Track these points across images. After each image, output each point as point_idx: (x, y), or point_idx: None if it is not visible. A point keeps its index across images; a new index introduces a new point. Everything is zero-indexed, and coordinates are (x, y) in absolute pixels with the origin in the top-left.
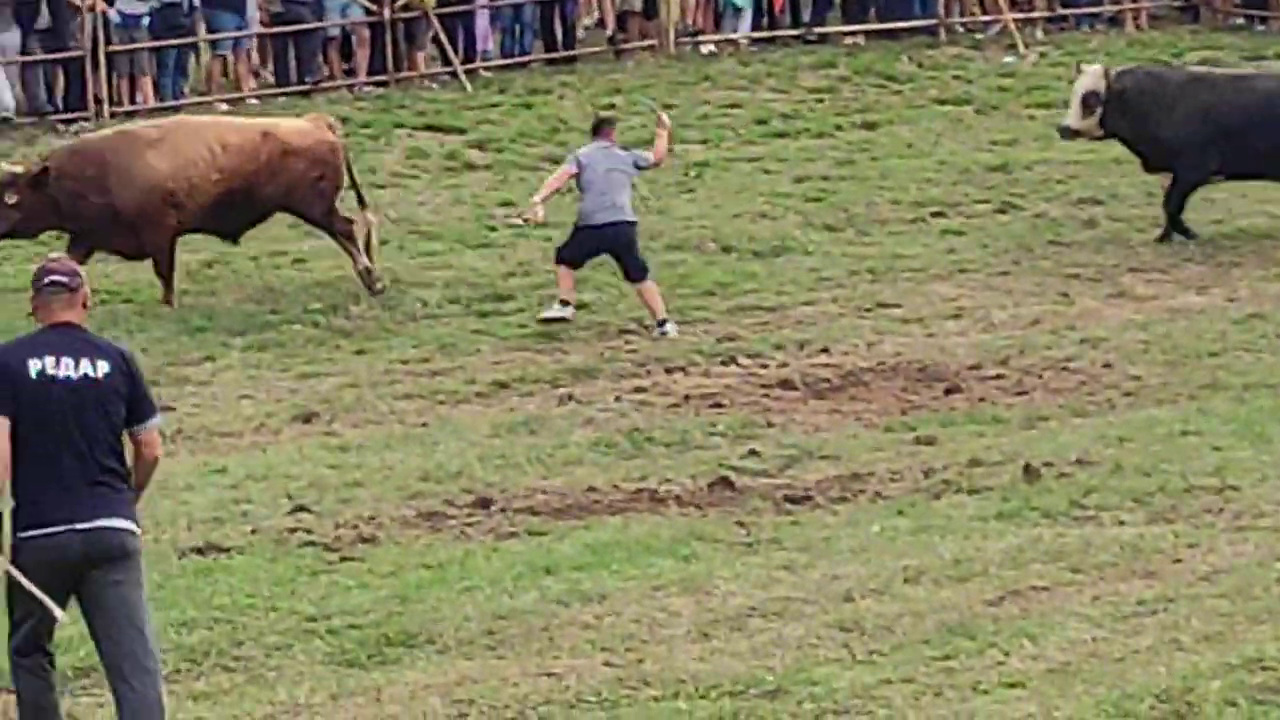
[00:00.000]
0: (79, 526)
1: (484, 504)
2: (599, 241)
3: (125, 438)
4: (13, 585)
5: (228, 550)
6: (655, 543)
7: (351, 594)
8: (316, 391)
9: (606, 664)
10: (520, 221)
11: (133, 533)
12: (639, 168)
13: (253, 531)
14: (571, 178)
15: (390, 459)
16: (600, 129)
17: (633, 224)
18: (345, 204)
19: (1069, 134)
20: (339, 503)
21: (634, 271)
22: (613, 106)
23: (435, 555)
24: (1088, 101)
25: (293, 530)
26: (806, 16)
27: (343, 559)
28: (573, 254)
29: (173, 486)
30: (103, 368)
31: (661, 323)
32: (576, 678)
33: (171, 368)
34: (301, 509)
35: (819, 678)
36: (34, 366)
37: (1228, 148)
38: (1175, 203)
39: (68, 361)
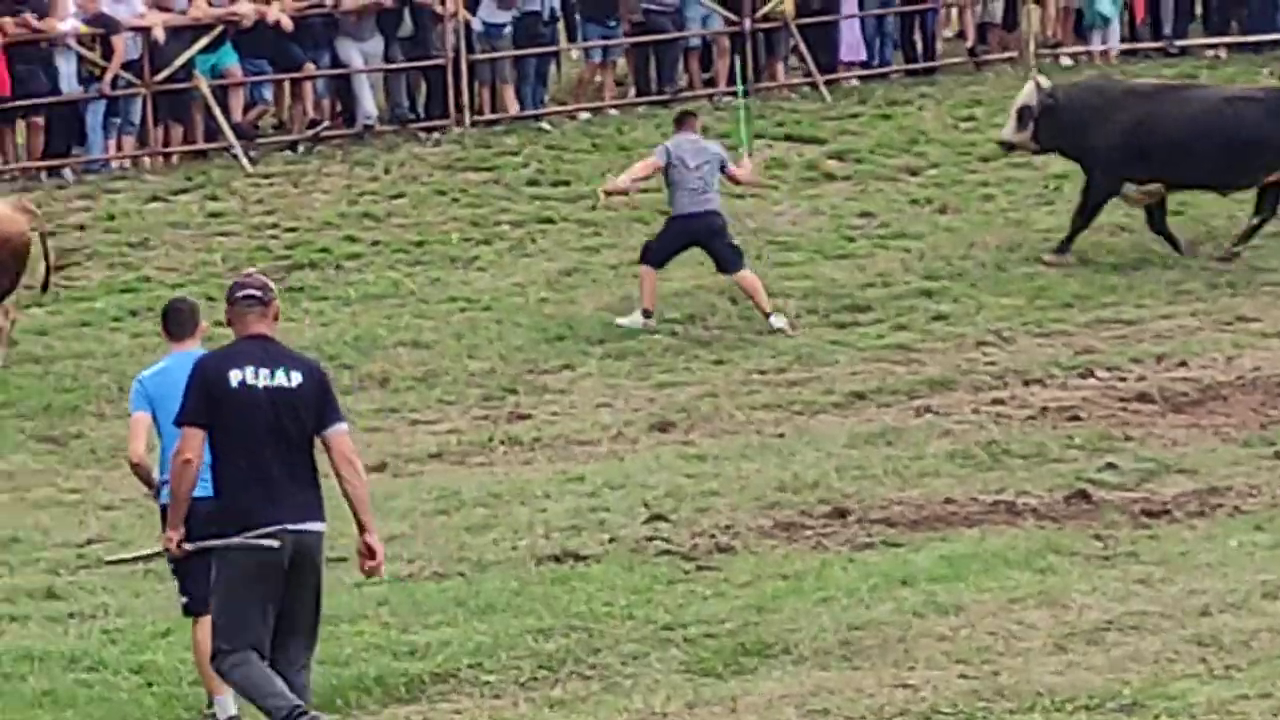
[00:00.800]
0: (289, 528)
1: (840, 514)
2: (690, 233)
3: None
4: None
5: (585, 558)
6: (1012, 555)
7: (707, 603)
8: (674, 401)
9: (962, 676)
10: (604, 198)
11: (323, 535)
12: (723, 169)
13: (610, 540)
14: (658, 170)
15: (747, 469)
16: (684, 121)
17: (720, 214)
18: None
19: (1006, 147)
20: (695, 512)
21: (727, 262)
22: (972, 119)
23: (791, 565)
24: (1021, 115)
25: (649, 539)
26: (1168, 29)
27: (699, 568)
28: (663, 250)
29: (530, 494)
30: (296, 378)
31: (768, 315)
32: (932, 689)
33: (530, 376)
34: (658, 518)
35: (1175, 692)
36: (235, 377)
37: (1165, 158)
38: (1087, 215)
39: (265, 371)
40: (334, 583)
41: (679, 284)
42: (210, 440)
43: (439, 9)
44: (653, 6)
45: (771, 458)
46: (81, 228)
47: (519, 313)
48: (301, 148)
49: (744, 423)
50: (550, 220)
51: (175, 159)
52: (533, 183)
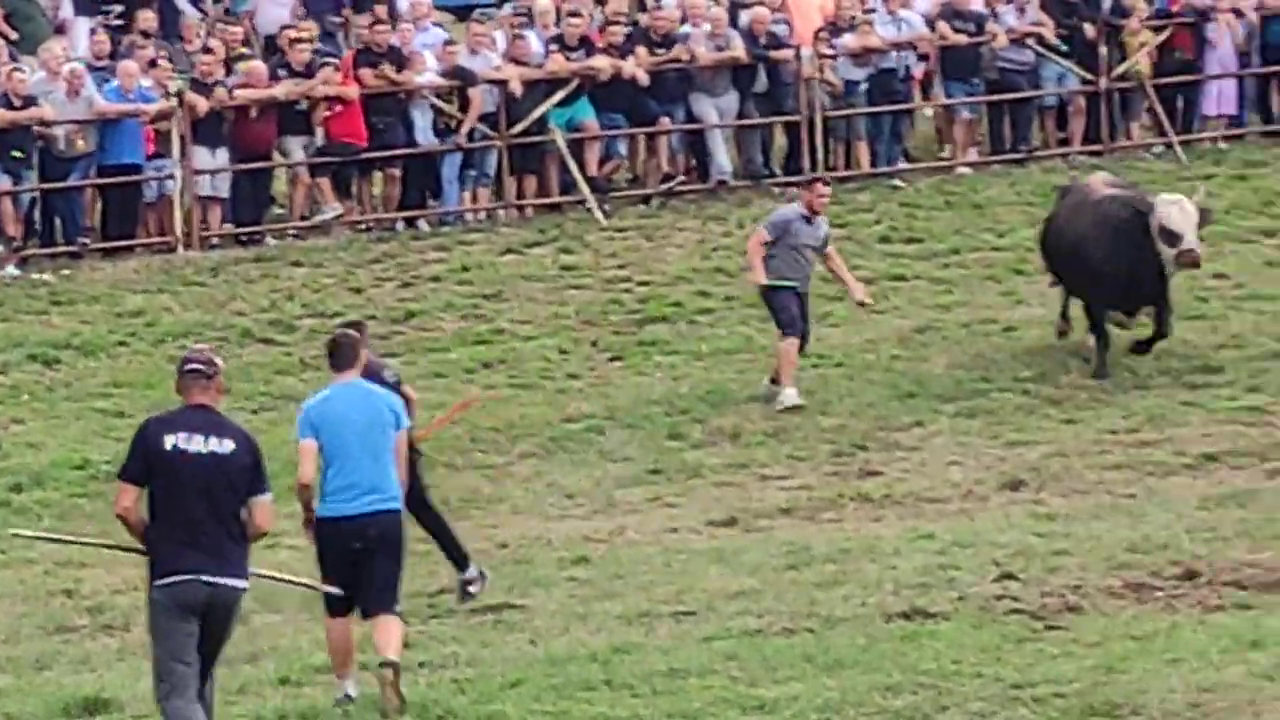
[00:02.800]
0: (205, 579)
1: (1190, 576)
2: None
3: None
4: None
5: (934, 616)
6: None
7: (1056, 663)
8: (1025, 459)
9: None
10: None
11: (243, 590)
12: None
13: (959, 598)
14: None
15: (1097, 529)
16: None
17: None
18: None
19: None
20: (1045, 571)
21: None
22: None
23: (1141, 626)
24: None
25: (999, 597)
26: None
27: (1048, 627)
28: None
29: (880, 551)
30: (229, 445)
31: (777, 383)
32: None
33: (881, 433)
34: (1008, 576)
35: None
36: (169, 441)
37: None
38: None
39: (199, 438)
40: (682, 635)
41: (1031, 342)
42: (149, 496)
43: (794, 65)
44: (1008, 65)
45: (1122, 518)
46: (436, 279)
47: (870, 369)
48: (655, 202)
49: (1095, 483)
50: (902, 277)
51: (529, 211)
52: (884, 239)
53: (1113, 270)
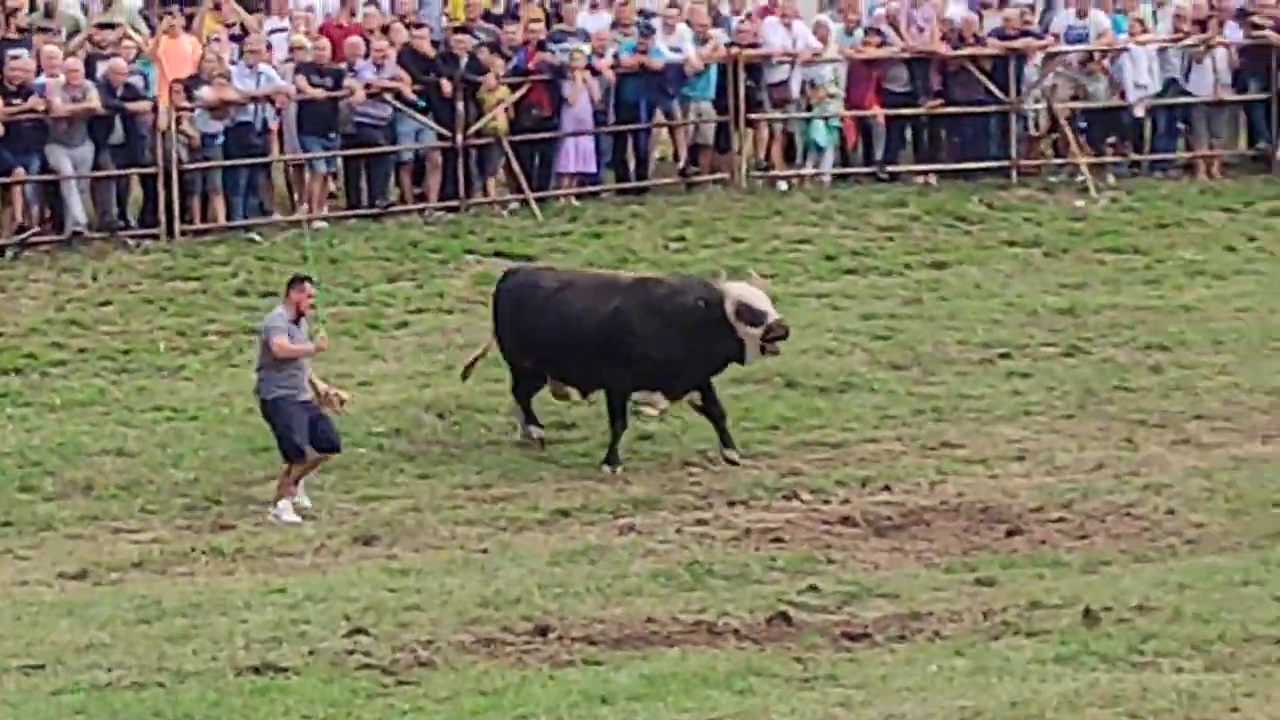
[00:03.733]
0: None
1: (542, 632)
2: None
3: None
4: None
5: (285, 670)
6: (712, 676)
7: (406, 718)
8: (378, 514)
9: None
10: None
11: None
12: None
13: (310, 652)
14: None
15: (450, 584)
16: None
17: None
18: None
19: None
20: (397, 626)
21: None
22: (682, 239)
23: (492, 682)
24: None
25: (350, 652)
26: (879, 154)
27: (399, 683)
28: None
29: (231, 605)
30: None
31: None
32: None
33: (234, 487)
34: (359, 631)
35: None
36: None
37: None
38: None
39: None
40: (31, 689)
41: (387, 397)
42: None
43: (151, 116)
44: (365, 119)
45: (474, 573)
46: None
47: (224, 423)
48: (9, 253)
49: (448, 537)
50: (257, 331)
51: None
52: (241, 293)
53: (680, 359)
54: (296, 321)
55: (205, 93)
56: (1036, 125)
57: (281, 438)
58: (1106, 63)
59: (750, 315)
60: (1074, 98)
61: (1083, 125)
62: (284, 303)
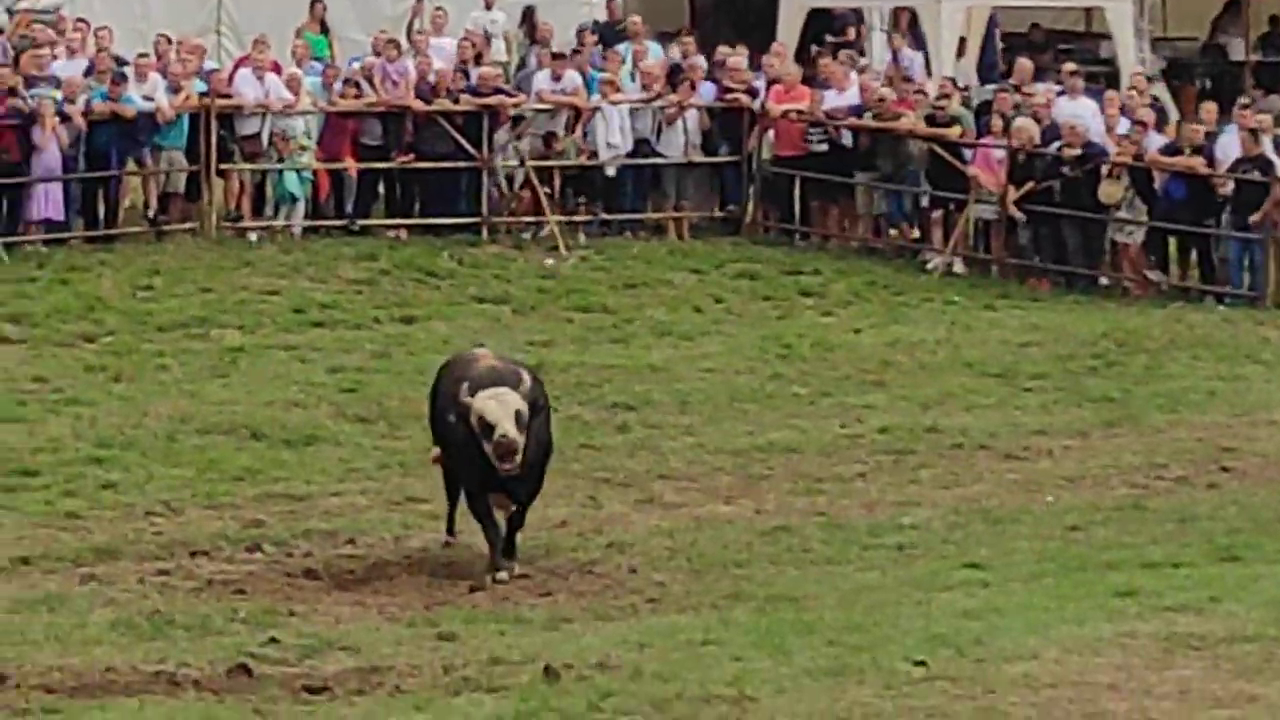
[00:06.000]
0: None
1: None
2: None
3: None
4: None
5: None
6: None
7: None
8: None
9: None
10: None
11: None
12: None
13: None
14: None
15: None
16: None
17: None
18: None
19: None
20: None
21: None
22: (151, 287)
23: None
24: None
25: None
26: (350, 207)
27: None
28: None
29: None
30: None
31: None
32: None
33: None
34: None
35: None
36: None
37: None
38: None
39: None
40: None
41: None
42: None
43: None
44: None
45: None
46: None
47: None
48: None
49: None
50: None
51: None
52: None
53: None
54: None
55: None
56: (509, 183)
57: None
58: (578, 129)
59: (485, 429)
60: (544, 156)
61: (556, 184)
62: None
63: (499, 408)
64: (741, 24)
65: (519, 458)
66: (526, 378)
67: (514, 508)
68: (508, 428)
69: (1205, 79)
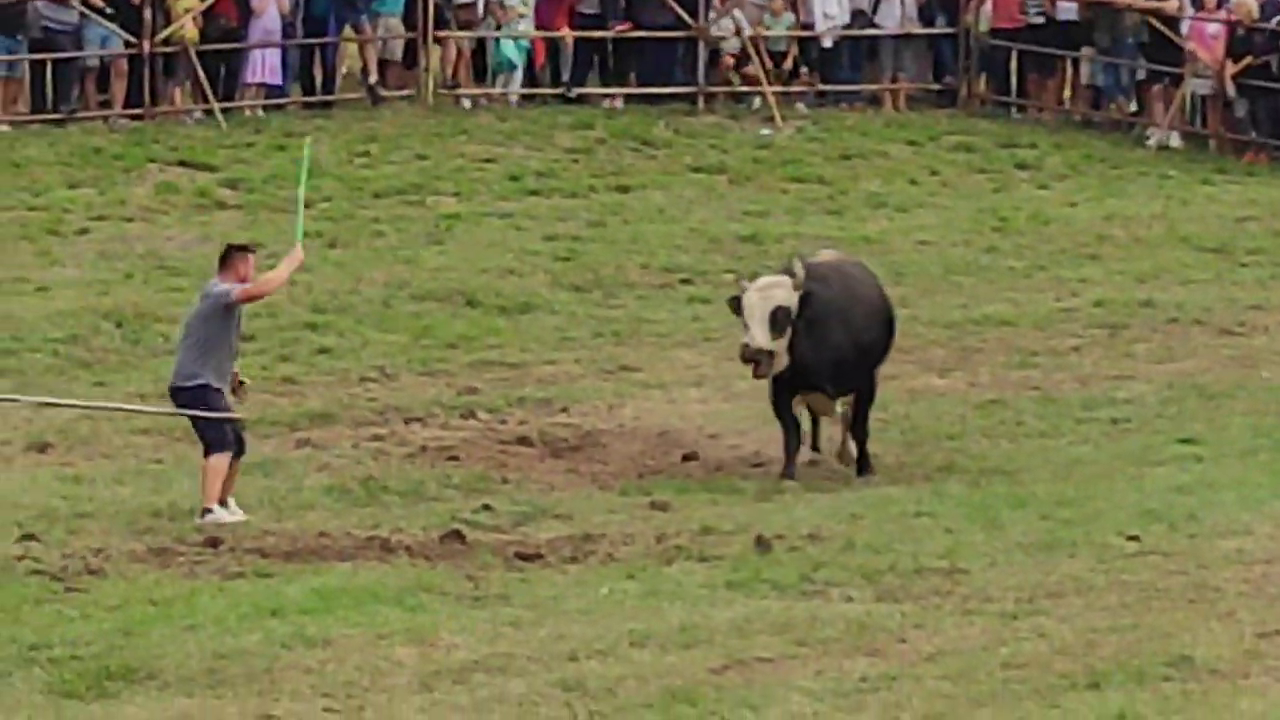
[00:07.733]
0: None
1: (213, 543)
2: None
3: None
4: None
5: None
6: (383, 591)
7: (74, 625)
8: (53, 422)
9: (327, 710)
10: None
11: None
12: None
13: None
14: None
15: (122, 493)
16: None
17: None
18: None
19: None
20: (68, 534)
21: None
22: (367, 154)
23: (161, 591)
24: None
25: (20, 558)
26: (566, 75)
27: (68, 589)
28: None
29: None
30: None
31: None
32: None
33: None
34: (30, 537)
35: None
36: None
37: None
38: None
39: None
40: None
41: (64, 304)
42: None
43: None
44: (52, 24)
45: (148, 483)
46: None
47: None
48: None
49: (122, 447)
50: None
51: None
52: None
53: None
54: None
55: None
56: (725, 53)
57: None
58: None
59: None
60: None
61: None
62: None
63: (759, 303)
64: None
65: (761, 368)
66: (800, 272)
67: (837, 411)
68: (755, 332)
69: None
